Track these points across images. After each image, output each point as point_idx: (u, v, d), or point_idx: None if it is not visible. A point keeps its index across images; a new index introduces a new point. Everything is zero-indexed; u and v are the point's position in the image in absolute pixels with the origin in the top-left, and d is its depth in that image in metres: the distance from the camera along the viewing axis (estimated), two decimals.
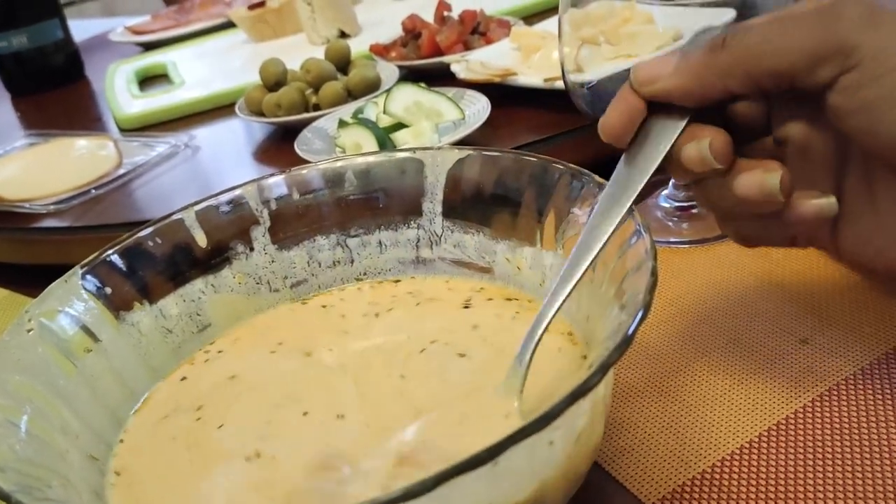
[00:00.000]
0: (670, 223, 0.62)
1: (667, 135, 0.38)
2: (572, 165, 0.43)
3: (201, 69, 1.22)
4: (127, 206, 0.79)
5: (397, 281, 0.51)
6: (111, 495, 0.38)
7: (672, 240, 0.60)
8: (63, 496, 0.32)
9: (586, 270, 0.37)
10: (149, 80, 1.25)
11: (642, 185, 0.38)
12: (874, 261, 0.37)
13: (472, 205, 0.48)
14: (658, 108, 0.39)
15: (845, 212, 0.37)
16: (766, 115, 0.38)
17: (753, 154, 0.38)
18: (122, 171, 0.84)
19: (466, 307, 0.46)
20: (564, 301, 0.37)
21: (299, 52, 1.11)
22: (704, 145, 0.36)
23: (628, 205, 0.37)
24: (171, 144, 0.90)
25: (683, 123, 0.38)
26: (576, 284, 0.37)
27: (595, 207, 0.38)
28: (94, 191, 0.81)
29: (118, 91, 1.15)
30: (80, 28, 1.57)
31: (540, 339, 0.37)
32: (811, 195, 0.36)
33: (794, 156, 0.37)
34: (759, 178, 0.36)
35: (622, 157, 0.39)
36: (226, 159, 0.89)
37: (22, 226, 0.77)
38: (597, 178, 0.41)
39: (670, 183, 0.63)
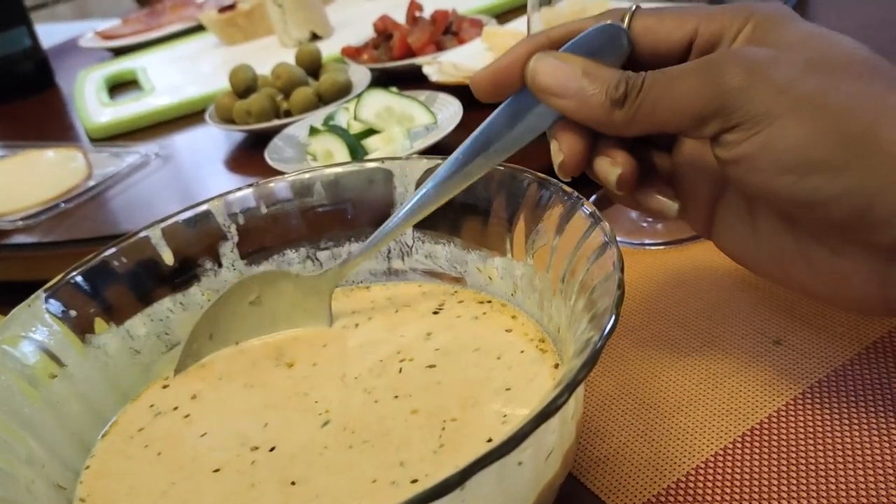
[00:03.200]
0: (644, 224, 0.62)
1: (541, 122, 0.40)
2: (540, 174, 0.43)
3: (172, 75, 1.21)
4: (97, 220, 0.78)
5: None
6: None
7: (646, 241, 0.59)
8: None
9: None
10: (119, 86, 1.23)
11: (496, 163, 0.41)
12: (748, 264, 0.41)
13: (443, 214, 0.47)
14: None
15: (723, 218, 0.40)
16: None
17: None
18: (92, 183, 0.83)
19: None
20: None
21: (271, 54, 1.10)
22: (615, 174, 0.38)
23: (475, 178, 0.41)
24: (142, 154, 0.89)
25: (558, 117, 0.39)
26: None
27: (443, 168, 0.41)
28: (63, 204, 0.80)
29: (88, 99, 1.14)
30: (50, 33, 1.55)
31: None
32: (662, 193, 0.40)
33: (687, 156, 0.40)
34: (605, 168, 0.39)
35: (490, 118, 0.41)
36: (197, 168, 0.88)
37: None
38: (564, 186, 0.41)
39: None
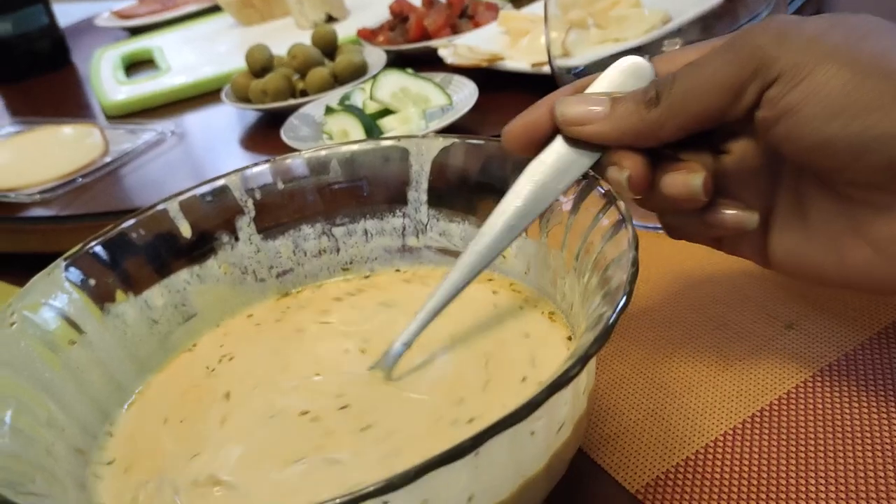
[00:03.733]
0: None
1: (577, 166, 0.39)
2: None
3: (188, 55, 1.21)
4: (114, 195, 0.78)
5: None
6: (96, 487, 0.38)
7: (661, 225, 0.59)
8: (47, 490, 0.32)
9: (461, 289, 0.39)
10: (135, 65, 1.24)
11: (537, 215, 0.40)
12: (803, 271, 0.39)
13: (458, 193, 0.48)
14: None
15: (777, 223, 0.39)
16: (701, 139, 0.39)
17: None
18: (108, 159, 0.84)
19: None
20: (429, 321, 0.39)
21: (287, 36, 1.11)
22: (624, 177, 0.38)
23: (518, 232, 0.40)
24: (158, 132, 0.90)
25: (597, 156, 0.39)
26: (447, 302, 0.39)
27: (486, 227, 0.40)
28: (80, 179, 0.80)
29: (104, 78, 1.15)
30: (66, 13, 1.56)
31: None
32: (736, 206, 0.38)
33: (731, 167, 0.39)
34: (682, 179, 0.37)
35: (525, 172, 0.40)
36: (212, 147, 0.88)
37: (8, 215, 0.77)
38: None
39: None
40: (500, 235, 0.39)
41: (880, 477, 0.37)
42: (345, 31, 1.06)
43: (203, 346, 0.47)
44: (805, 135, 0.34)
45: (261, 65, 0.90)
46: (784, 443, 0.39)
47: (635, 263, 0.33)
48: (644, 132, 0.37)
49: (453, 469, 0.27)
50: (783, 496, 0.37)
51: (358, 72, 0.89)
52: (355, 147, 0.51)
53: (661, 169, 0.38)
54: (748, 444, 0.40)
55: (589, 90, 0.40)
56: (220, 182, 0.49)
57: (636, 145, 0.38)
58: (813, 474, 0.37)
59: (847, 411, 0.40)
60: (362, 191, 0.50)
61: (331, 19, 1.19)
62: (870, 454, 0.38)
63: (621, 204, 0.37)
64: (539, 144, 0.40)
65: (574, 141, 0.39)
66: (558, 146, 0.39)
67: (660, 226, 0.59)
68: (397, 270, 0.51)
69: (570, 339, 0.40)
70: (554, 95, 0.40)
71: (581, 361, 0.29)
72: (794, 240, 0.39)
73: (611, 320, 0.31)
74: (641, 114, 0.37)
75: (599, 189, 0.40)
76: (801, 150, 0.35)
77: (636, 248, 0.34)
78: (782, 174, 0.39)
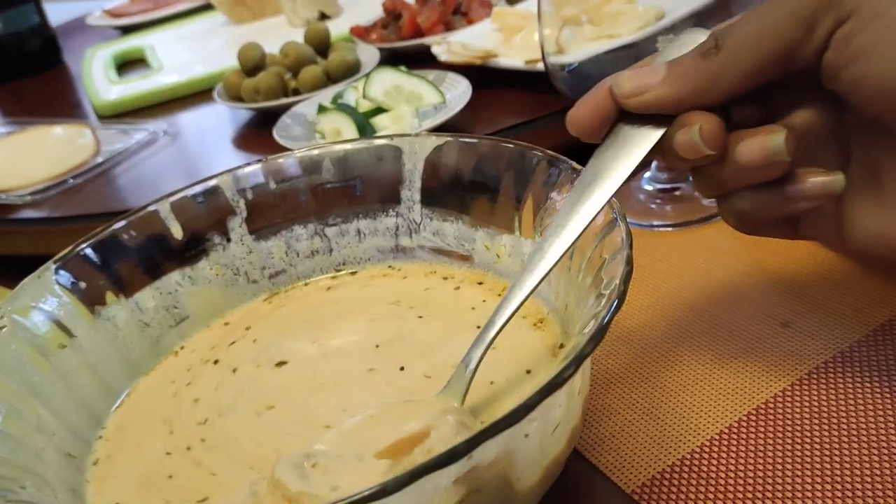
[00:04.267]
0: (653, 206, 0.62)
1: (644, 140, 0.37)
2: (549, 152, 0.43)
3: (180, 53, 1.21)
4: (105, 196, 0.78)
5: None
6: (88, 491, 0.37)
7: (655, 223, 0.59)
8: (37, 496, 0.32)
9: (539, 283, 0.35)
10: (127, 64, 1.23)
11: (612, 193, 0.36)
12: (879, 245, 0.36)
13: (451, 192, 0.48)
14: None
15: (850, 196, 0.36)
16: (764, 114, 0.37)
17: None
18: (100, 160, 0.84)
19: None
20: (516, 310, 0.35)
21: (279, 34, 1.10)
22: (695, 131, 0.35)
23: (594, 214, 0.36)
24: (150, 132, 0.89)
25: (663, 130, 0.36)
26: (527, 296, 0.35)
27: (561, 211, 0.37)
28: (71, 180, 0.80)
29: (96, 77, 1.14)
30: (57, 12, 1.55)
31: (491, 344, 0.36)
32: (815, 170, 0.35)
33: (798, 145, 0.36)
34: (761, 141, 0.35)
35: (594, 155, 0.38)
36: (205, 146, 0.88)
37: None
38: (574, 164, 0.41)
39: (653, 165, 0.63)
40: (575, 223, 0.36)
41: (876, 474, 0.36)
42: (337, 28, 1.05)
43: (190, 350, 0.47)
44: (877, 80, 0.32)
45: (253, 63, 0.89)
46: (780, 441, 0.39)
47: (629, 262, 0.33)
48: (704, 86, 0.35)
49: (448, 472, 0.27)
50: (779, 494, 0.36)
51: (351, 70, 0.88)
52: (348, 146, 0.50)
53: (734, 137, 0.35)
54: (744, 442, 0.40)
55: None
56: (212, 182, 0.49)
57: (698, 104, 0.35)
58: (808, 472, 0.37)
59: (842, 409, 0.40)
60: (355, 190, 0.50)
61: (323, 17, 1.19)
62: (865, 451, 0.38)
63: (615, 202, 0.37)
64: (602, 126, 0.38)
65: (637, 118, 0.37)
66: (621, 126, 0.37)
67: (654, 223, 0.59)
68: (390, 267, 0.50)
69: (561, 346, 0.40)
70: (613, 76, 0.38)
71: (575, 362, 0.29)
72: (872, 214, 0.36)
73: (605, 320, 0.30)
74: (700, 66, 0.35)
75: None
76: (871, 99, 0.33)
77: (630, 247, 0.34)
78: (852, 141, 0.36)
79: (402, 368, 0.41)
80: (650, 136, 0.37)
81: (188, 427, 0.40)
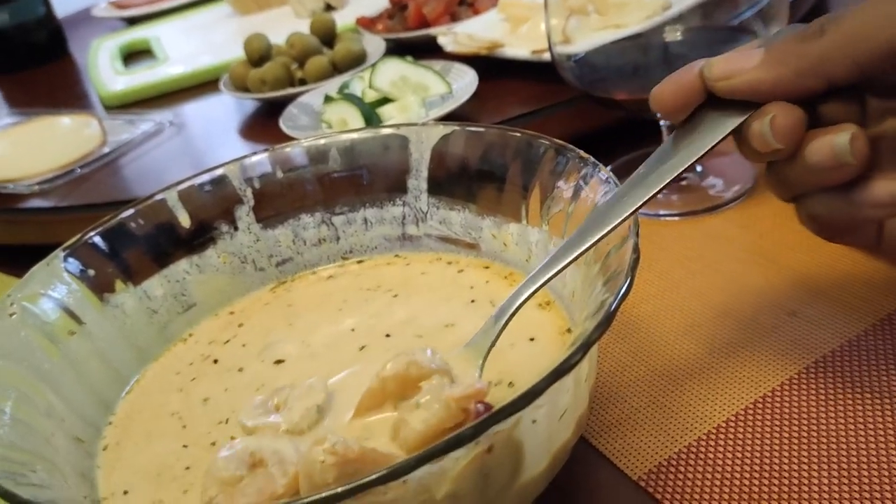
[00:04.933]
0: (660, 195, 0.61)
1: (723, 126, 0.35)
2: (557, 140, 0.43)
3: (186, 44, 1.21)
4: (112, 186, 0.78)
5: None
6: (98, 476, 0.38)
7: (662, 212, 0.59)
8: (47, 481, 0.32)
9: (597, 242, 0.35)
10: (133, 55, 1.23)
11: (682, 169, 0.36)
12: None
13: (458, 181, 0.48)
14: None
15: None
16: (857, 113, 0.35)
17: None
18: (106, 150, 0.84)
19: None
20: (565, 267, 0.35)
21: (285, 24, 1.10)
22: (766, 122, 0.34)
23: (659, 187, 0.35)
24: (156, 122, 0.89)
25: (745, 116, 0.35)
26: (581, 254, 0.35)
27: (630, 179, 0.36)
28: (78, 170, 0.80)
29: (102, 68, 1.14)
30: (63, 3, 1.55)
31: (527, 300, 0.35)
32: (889, 179, 0.33)
33: (891, 153, 0.34)
34: (829, 140, 0.33)
35: (672, 135, 0.37)
36: (211, 137, 0.88)
37: (6, 206, 0.76)
38: (581, 153, 0.41)
39: None
40: (646, 187, 0.36)
41: (883, 463, 0.37)
42: (343, 19, 1.05)
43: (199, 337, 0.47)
44: None
45: (259, 54, 0.89)
46: (786, 429, 0.39)
47: (636, 250, 0.33)
48: (803, 69, 0.33)
49: (455, 456, 0.27)
50: (785, 482, 0.37)
51: (357, 60, 0.88)
52: (354, 135, 0.50)
53: (808, 136, 0.34)
54: (750, 430, 0.40)
55: None
56: (219, 171, 0.49)
57: (793, 92, 0.33)
58: (815, 461, 0.37)
59: (849, 398, 0.40)
60: (362, 179, 0.50)
61: (329, 7, 1.19)
62: (872, 441, 0.38)
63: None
64: (685, 108, 0.36)
65: (723, 103, 0.35)
66: (706, 110, 0.36)
67: (661, 213, 0.59)
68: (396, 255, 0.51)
69: (569, 330, 0.40)
70: (704, 60, 0.36)
71: (582, 349, 0.29)
72: None
73: (612, 307, 0.30)
74: (800, 49, 0.33)
75: (601, 175, 0.39)
76: None
77: (637, 235, 0.34)
78: None
79: (387, 335, 0.43)
80: (730, 123, 0.35)
81: (207, 425, 0.40)
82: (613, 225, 0.35)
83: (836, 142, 0.33)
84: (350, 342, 0.43)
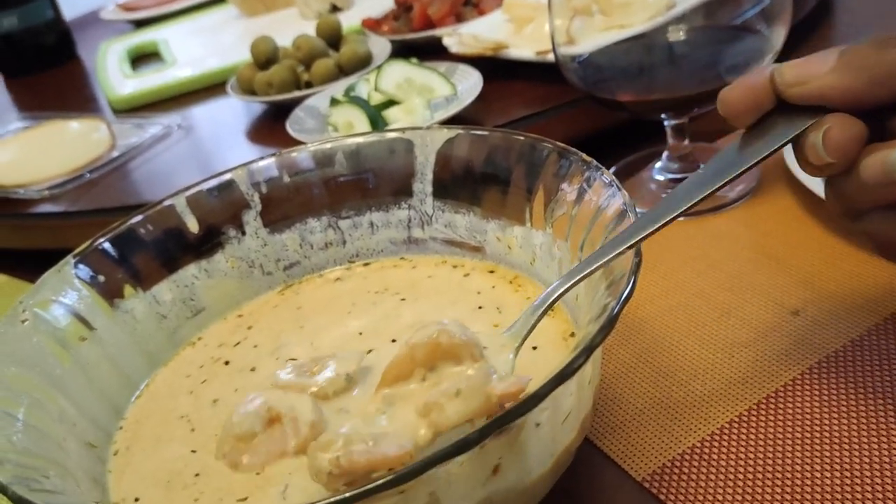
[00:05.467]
0: (664, 195, 0.62)
1: (791, 130, 0.34)
2: (560, 143, 0.43)
3: (193, 47, 1.21)
4: (121, 190, 0.79)
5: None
6: (109, 481, 0.38)
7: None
8: (60, 486, 0.33)
9: (649, 235, 0.35)
10: (141, 58, 1.24)
11: (743, 170, 0.35)
12: None
13: (462, 184, 0.48)
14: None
15: None
16: None
17: None
18: (115, 154, 0.84)
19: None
20: (609, 261, 0.35)
21: (291, 26, 1.10)
22: (819, 133, 0.33)
23: (719, 184, 0.35)
24: (164, 125, 0.90)
25: (810, 121, 0.34)
26: (637, 243, 0.34)
27: (688, 180, 0.36)
28: (88, 174, 0.81)
29: (110, 71, 1.15)
30: (71, 5, 1.56)
31: (568, 290, 0.35)
32: None
33: None
34: (882, 155, 0.32)
35: (739, 138, 0.36)
36: (219, 140, 0.89)
37: (17, 211, 0.77)
38: (584, 156, 0.41)
39: (664, 155, 0.63)
40: (706, 185, 0.35)
41: (885, 463, 0.37)
42: (349, 21, 1.06)
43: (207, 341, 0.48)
44: None
45: (266, 56, 0.90)
46: (790, 430, 0.40)
47: (638, 254, 0.33)
48: (880, 76, 0.32)
49: (459, 460, 0.27)
50: (789, 483, 0.37)
51: (363, 62, 0.89)
52: (360, 139, 0.51)
53: (866, 151, 0.33)
54: (754, 431, 0.40)
55: None
56: (227, 176, 0.50)
57: (867, 99, 0.32)
58: (819, 460, 0.38)
59: (853, 399, 0.40)
60: (368, 183, 0.51)
61: (335, 9, 1.19)
62: (875, 440, 0.38)
63: (624, 193, 0.37)
64: (753, 113, 0.36)
65: (794, 111, 0.34)
66: (775, 118, 0.35)
67: None
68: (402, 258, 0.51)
69: (572, 335, 0.40)
70: (776, 64, 0.35)
71: (585, 353, 0.29)
72: None
73: (614, 311, 0.31)
74: (878, 56, 0.32)
75: (604, 179, 0.40)
76: None
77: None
78: None
79: (393, 341, 0.43)
80: (798, 128, 0.34)
81: (215, 427, 0.40)
82: (673, 215, 0.35)
83: (889, 158, 0.32)
84: (358, 345, 0.43)
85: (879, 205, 0.34)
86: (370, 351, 0.42)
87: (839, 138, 0.33)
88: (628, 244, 0.34)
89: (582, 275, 0.35)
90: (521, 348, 0.35)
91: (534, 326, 0.36)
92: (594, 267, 0.35)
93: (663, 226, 0.35)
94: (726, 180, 0.35)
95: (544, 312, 0.36)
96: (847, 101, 0.33)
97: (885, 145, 0.33)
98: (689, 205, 0.35)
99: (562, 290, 0.35)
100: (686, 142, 0.62)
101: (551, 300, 0.36)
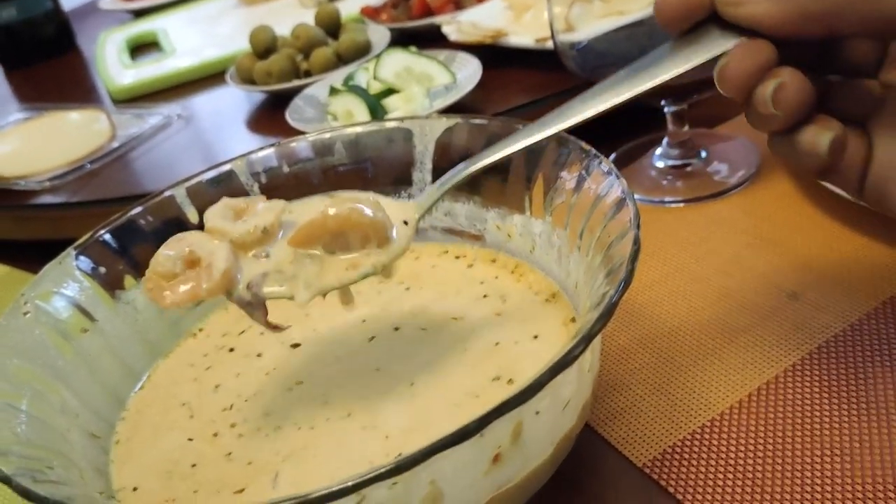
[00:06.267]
0: (664, 182, 0.62)
1: (721, 45, 0.35)
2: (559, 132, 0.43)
3: (192, 36, 1.21)
4: (122, 180, 0.79)
5: None
6: (112, 471, 0.39)
7: (666, 199, 0.60)
8: (64, 476, 0.33)
9: (569, 126, 0.37)
10: (140, 48, 1.24)
11: (670, 76, 0.36)
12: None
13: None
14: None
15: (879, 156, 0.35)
16: (876, 53, 0.35)
17: (850, 93, 0.36)
18: (115, 145, 0.84)
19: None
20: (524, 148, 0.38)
21: (290, 15, 1.10)
22: (827, 138, 0.34)
23: (636, 92, 0.36)
24: (164, 115, 0.90)
25: (740, 39, 0.35)
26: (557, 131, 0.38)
27: (622, 72, 0.37)
28: (88, 165, 0.81)
29: (109, 61, 1.15)
30: None
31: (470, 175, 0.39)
32: (820, 125, 0.35)
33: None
34: (811, 136, 0.34)
35: (669, 44, 0.37)
36: (219, 129, 0.89)
37: (18, 203, 0.77)
38: (582, 144, 0.41)
39: (664, 142, 0.63)
40: (634, 85, 0.37)
41: (885, 447, 0.37)
42: (348, 9, 1.05)
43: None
44: None
45: (264, 46, 0.89)
46: (790, 415, 0.40)
47: (637, 242, 0.34)
48: (814, 13, 0.32)
49: (459, 449, 0.27)
50: (789, 468, 0.37)
51: (361, 51, 0.89)
52: (359, 129, 0.51)
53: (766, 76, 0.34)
54: (754, 417, 0.40)
55: None
56: (226, 167, 0.50)
57: (798, 32, 0.33)
58: (819, 445, 0.38)
59: (852, 384, 0.41)
60: (367, 172, 0.51)
61: None
62: (875, 425, 0.38)
63: (623, 182, 0.37)
64: (686, 20, 0.36)
65: (726, 25, 0.35)
66: (708, 27, 0.36)
67: (665, 199, 0.59)
68: None
69: (573, 320, 0.41)
70: None
71: (584, 341, 0.30)
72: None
73: (613, 299, 0.31)
74: None
75: (602, 167, 0.40)
76: None
77: (638, 227, 0.34)
78: None
79: (396, 329, 0.44)
80: (728, 44, 0.35)
81: (213, 412, 0.41)
82: (592, 113, 0.37)
83: (765, 91, 0.34)
84: (360, 332, 0.44)
85: (773, 129, 0.36)
86: (372, 338, 0.43)
87: (792, 95, 0.34)
88: (537, 137, 0.38)
89: (489, 160, 0.39)
90: (420, 220, 0.39)
91: (437, 201, 0.40)
92: (508, 151, 0.39)
93: (573, 125, 0.37)
94: (654, 84, 0.36)
95: (447, 190, 0.40)
96: (778, 32, 0.34)
97: (772, 74, 0.34)
98: (614, 103, 0.37)
99: (467, 170, 0.39)
100: (686, 128, 0.62)
101: (456, 178, 0.39)
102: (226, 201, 0.40)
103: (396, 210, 0.39)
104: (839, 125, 0.34)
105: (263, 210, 0.39)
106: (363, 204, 0.37)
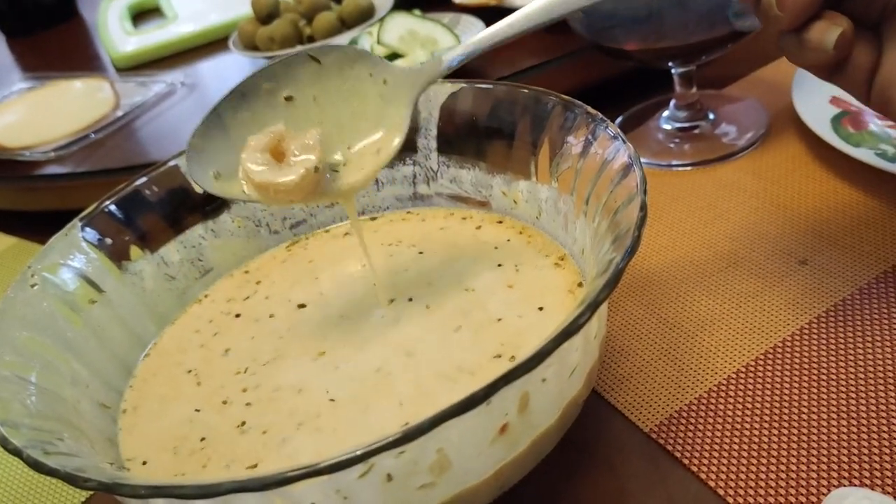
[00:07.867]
0: (672, 145, 0.61)
1: None
2: (564, 96, 0.43)
3: (194, 2, 1.20)
4: (127, 150, 0.78)
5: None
6: (121, 441, 0.39)
7: (674, 162, 0.59)
8: (75, 448, 0.33)
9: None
10: (142, 14, 1.22)
11: None
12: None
13: (467, 138, 0.48)
14: None
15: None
16: None
17: None
18: (120, 113, 0.84)
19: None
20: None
21: None
22: (834, 33, 0.34)
23: None
24: (168, 83, 0.89)
25: None
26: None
27: None
28: (93, 135, 0.81)
29: (112, 28, 1.14)
30: None
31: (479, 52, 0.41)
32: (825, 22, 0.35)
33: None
34: (820, 32, 0.35)
35: None
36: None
37: (24, 174, 0.77)
38: (588, 108, 0.41)
39: (671, 104, 0.62)
40: None
41: (893, 410, 0.37)
42: None
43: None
44: None
45: (267, 11, 0.88)
46: (796, 379, 0.40)
47: (643, 208, 0.33)
48: None
49: (466, 417, 0.27)
50: (795, 432, 0.37)
51: (365, 15, 0.87)
52: None
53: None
54: (761, 381, 0.40)
55: None
56: None
57: None
58: (825, 409, 0.38)
59: (860, 347, 0.41)
60: None
61: None
62: (881, 388, 0.38)
63: (630, 147, 0.37)
64: None
65: None
66: None
67: (673, 163, 0.59)
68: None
69: (580, 285, 0.40)
70: None
71: (590, 308, 0.29)
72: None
73: (619, 266, 0.31)
74: None
75: (608, 132, 0.39)
76: None
77: (645, 193, 0.34)
78: None
79: (410, 300, 0.43)
80: None
81: (222, 377, 0.41)
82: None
83: (825, 36, 0.34)
84: (371, 297, 0.44)
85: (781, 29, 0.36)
86: (392, 300, 0.43)
87: (849, 36, 0.34)
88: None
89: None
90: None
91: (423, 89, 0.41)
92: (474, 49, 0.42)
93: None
94: None
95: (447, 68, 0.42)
96: None
97: (821, 17, 0.35)
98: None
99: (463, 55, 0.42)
100: (693, 90, 0.61)
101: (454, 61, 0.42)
102: (253, 146, 0.39)
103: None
104: (847, 21, 0.35)
105: (301, 149, 0.39)
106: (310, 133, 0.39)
